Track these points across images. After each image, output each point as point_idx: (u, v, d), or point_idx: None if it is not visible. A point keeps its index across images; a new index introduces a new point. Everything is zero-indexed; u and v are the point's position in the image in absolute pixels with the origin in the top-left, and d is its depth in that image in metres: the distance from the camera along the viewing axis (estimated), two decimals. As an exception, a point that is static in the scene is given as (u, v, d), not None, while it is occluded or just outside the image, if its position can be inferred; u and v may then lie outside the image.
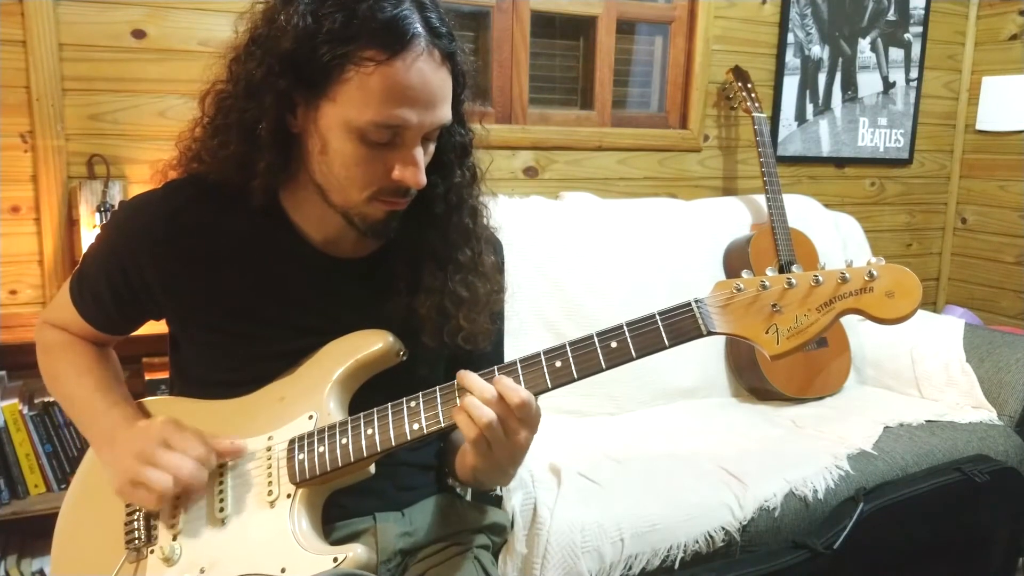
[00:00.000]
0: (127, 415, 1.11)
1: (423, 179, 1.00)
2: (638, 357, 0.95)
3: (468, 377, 0.97)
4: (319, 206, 1.06)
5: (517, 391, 0.94)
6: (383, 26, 0.93)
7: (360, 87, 0.94)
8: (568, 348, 0.97)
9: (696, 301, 0.96)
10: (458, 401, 0.98)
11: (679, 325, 0.95)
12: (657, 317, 0.96)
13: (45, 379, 1.22)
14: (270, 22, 0.98)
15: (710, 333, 0.94)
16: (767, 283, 0.94)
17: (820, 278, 0.93)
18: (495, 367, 0.99)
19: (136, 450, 1.02)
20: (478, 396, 0.95)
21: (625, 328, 0.96)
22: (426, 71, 0.95)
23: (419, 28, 0.94)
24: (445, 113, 1.00)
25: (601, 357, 0.96)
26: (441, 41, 0.97)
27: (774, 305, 0.93)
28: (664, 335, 0.95)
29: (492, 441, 0.95)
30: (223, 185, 1.06)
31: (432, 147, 1.04)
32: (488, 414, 0.94)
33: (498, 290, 1.18)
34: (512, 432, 0.96)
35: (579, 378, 0.96)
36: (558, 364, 0.96)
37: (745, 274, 0.96)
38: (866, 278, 0.92)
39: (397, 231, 1.07)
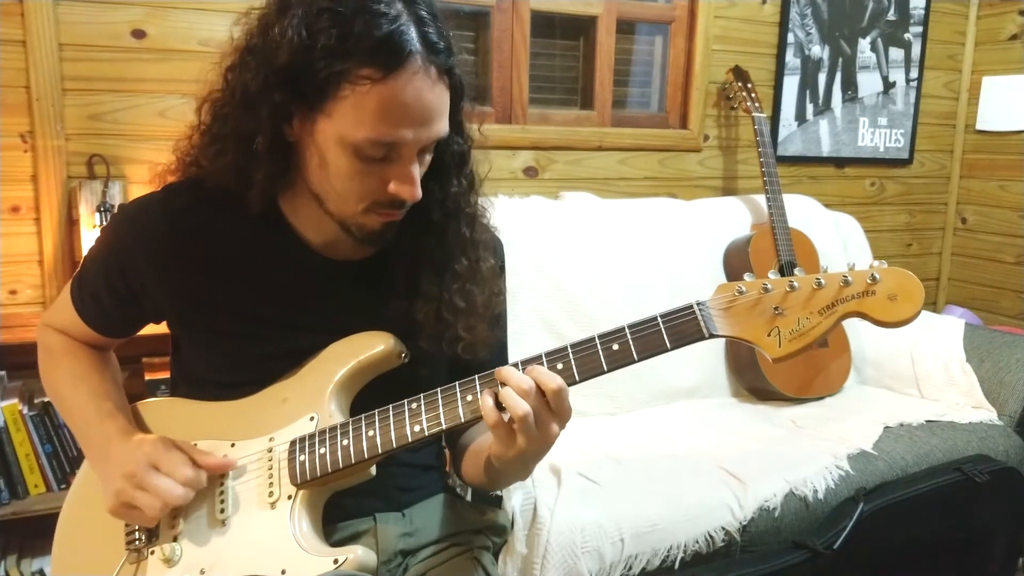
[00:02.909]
0: (120, 427, 1.11)
1: (419, 193, 1.00)
2: (640, 359, 0.95)
3: (505, 370, 0.96)
4: (317, 211, 1.06)
5: (553, 378, 0.93)
6: (378, 44, 0.91)
7: (355, 105, 0.93)
8: (570, 350, 0.97)
9: (698, 303, 0.95)
10: (459, 402, 0.98)
11: (681, 327, 0.95)
12: (659, 319, 0.96)
13: (43, 383, 1.23)
14: (265, 33, 0.97)
15: (712, 336, 0.94)
16: (769, 286, 0.94)
17: (823, 281, 0.93)
18: (519, 360, 0.98)
19: (126, 472, 1.03)
20: (515, 388, 0.93)
21: (627, 330, 0.96)
22: (422, 89, 0.94)
23: (416, 45, 0.93)
24: (442, 127, 1.00)
25: (603, 359, 0.96)
26: (438, 57, 0.95)
27: (776, 308, 0.93)
28: (666, 337, 0.95)
29: (524, 433, 0.94)
30: (222, 188, 1.06)
31: (428, 158, 1.03)
32: (524, 406, 0.92)
33: (497, 292, 1.17)
34: (544, 424, 0.94)
35: (580, 380, 0.96)
36: (560, 366, 0.96)
37: (747, 276, 0.96)
38: (868, 281, 0.92)
39: (395, 236, 1.07)
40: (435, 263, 1.11)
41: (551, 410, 0.94)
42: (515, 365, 0.98)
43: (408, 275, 1.12)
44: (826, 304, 0.93)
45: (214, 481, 1.06)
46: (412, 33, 0.93)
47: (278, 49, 0.94)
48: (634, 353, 0.95)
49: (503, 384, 0.95)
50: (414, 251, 1.11)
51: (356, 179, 0.99)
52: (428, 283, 1.11)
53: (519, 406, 0.92)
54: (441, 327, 1.10)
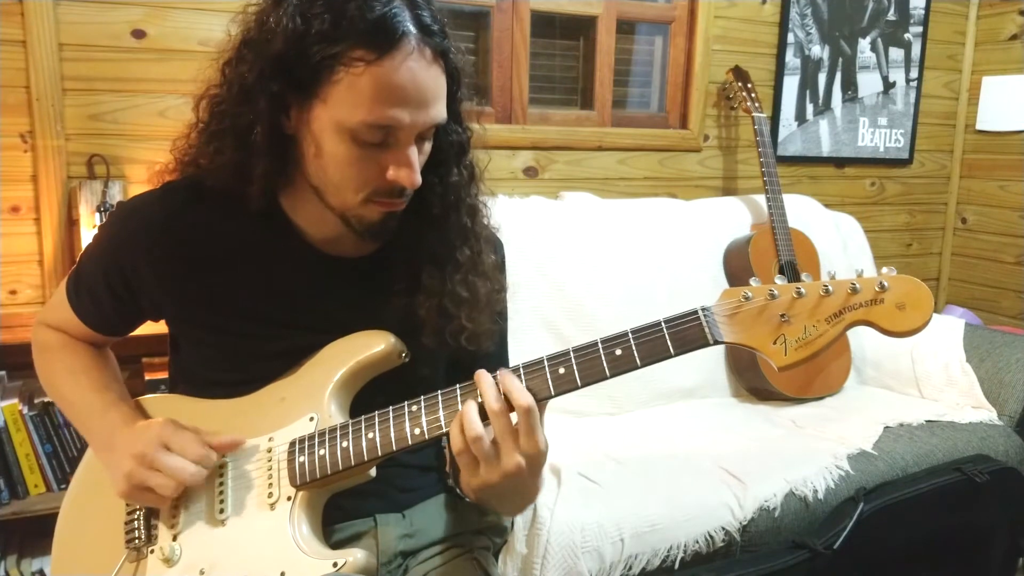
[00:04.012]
0: (124, 415, 1.11)
1: (418, 179, 1.00)
2: (643, 365, 0.94)
3: (482, 381, 0.96)
4: (318, 207, 1.05)
5: (523, 395, 0.93)
6: (371, 26, 0.92)
7: (350, 88, 0.93)
8: (572, 355, 0.96)
9: (703, 309, 0.94)
10: (459, 405, 0.97)
11: (685, 333, 0.94)
12: (663, 325, 0.94)
13: (41, 381, 1.22)
14: (261, 25, 0.98)
15: (717, 342, 0.93)
16: (776, 292, 0.92)
17: (830, 288, 0.91)
18: (521, 364, 0.98)
19: (136, 452, 1.02)
20: (487, 404, 0.93)
21: (630, 336, 0.95)
22: (416, 70, 0.94)
23: (409, 26, 0.93)
24: (439, 112, 0.99)
25: (605, 364, 0.95)
26: (432, 39, 0.96)
27: (783, 315, 0.92)
28: (670, 343, 0.94)
29: (480, 459, 0.94)
30: (222, 187, 1.06)
31: (428, 146, 1.03)
32: (477, 429, 0.92)
33: (499, 289, 1.17)
34: (507, 452, 0.93)
35: (583, 386, 0.95)
36: (561, 371, 0.95)
37: (753, 282, 0.94)
38: (877, 289, 0.90)
39: (396, 231, 1.06)
40: (436, 255, 1.11)
41: (515, 436, 0.93)
42: (516, 369, 0.97)
43: (410, 271, 1.11)
44: (833, 312, 0.91)
45: (213, 479, 1.06)
46: (405, 15, 0.94)
47: (273, 38, 0.95)
48: (637, 359, 0.94)
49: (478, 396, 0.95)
50: (416, 246, 1.11)
51: (354, 166, 0.98)
52: (430, 277, 1.10)
53: (473, 429, 0.92)
54: (443, 321, 1.10)
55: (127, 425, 1.08)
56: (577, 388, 0.96)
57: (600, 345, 0.96)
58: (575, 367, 0.96)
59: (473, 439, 0.92)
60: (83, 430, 1.16)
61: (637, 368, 0.95)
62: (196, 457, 1.02)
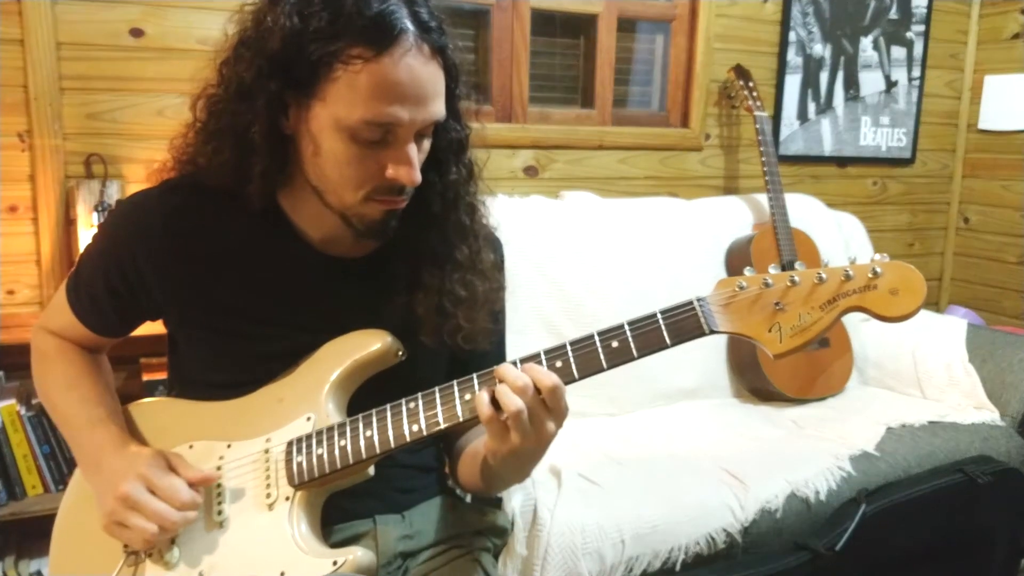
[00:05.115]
0: (112, 436, 1.09)
1: (418, 177, 0.99)
2: (639, 356, 0.94)
3: (503, 367, 0.95)
4: (317, 206, 1.05)
5: (548, 375, 0.92)
6: (369, 22, 0.92)
7: (349, 85, 0.93)
8: (569, 348, 0.96)
9: (698, 299, 0.95)
10: (457, 401, 0.97)
11: (681, 324, 0.94)
12: (659, 316, 0.95)
13: (36, 387, 1.22)
14: (258, 24, 0.98)
15: (712, 332, 0.93)
16: (770, 281, 0.94)
17: (824, 275, 0.93)
18: (505, 363, 0.97)
19: (121, 493, 1.01)
20: (511, 385, 0.92)
21: (626, 327, 0.95)
22: (415, 67, 0.94)
23: (407, 23, 0.93)
24: (438, 109, 0.99)
25: (602, 357, 0.95)
26: (430, 35, 0.96)
27: (777, 303, 0.93)
28: (666, 334, 0.94)
29: (518, 430, 0.93)
30: (221, 186, 1.05)
31: (427, 143, 1.03)
32: (517, 402, 0.91)
33: (497, 288, 1.17)
34: (539, 422, 0.93)
35: (580, 378, 0.95)
36: (559, 364, 0.95)
37: (748, 271, 0.95)
38: (870, 275, 0.91)
39: (396, 230, 1.06)
40: (435, 254, 1.11)
41: (547, 408, 0.93)
42: (513, 363, 0.97)
43: (409, 269, 1.11)
44: (827, 299, 0.92)
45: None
46: (403, 12, 0.94)
47: (271, 37, 0.95)
48: (634, 350, 0.94)
49: (500, 381, 0.94)
50: (414, 244, 1.11)
51: (354, 165, 0.98)
52: (429, 275, 1.10)
53: (513, 403, 0.91)
54: (441, 319, 1.09)
55: (115, 448, 1.07)
56: (575, 380, 0.95)
57: (597, 338, 0.96)
58: (572, 360, 0.96)
59: (515, 413, 0.91)
60: (71, 445, 1.16)
61: (634, 359, 0.95)
62: (181, 504, 1.01)
